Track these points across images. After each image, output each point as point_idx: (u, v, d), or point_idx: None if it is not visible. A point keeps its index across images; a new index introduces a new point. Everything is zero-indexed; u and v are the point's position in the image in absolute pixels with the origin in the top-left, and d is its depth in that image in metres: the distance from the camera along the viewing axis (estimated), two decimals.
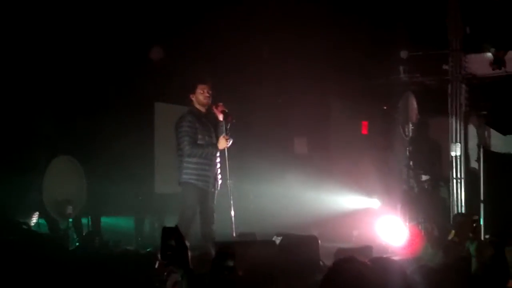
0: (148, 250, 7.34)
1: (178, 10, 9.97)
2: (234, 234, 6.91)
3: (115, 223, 9.63)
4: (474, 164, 10.06)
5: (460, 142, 9.93)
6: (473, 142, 10.31)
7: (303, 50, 10.79)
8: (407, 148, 10.08)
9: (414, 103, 10.10)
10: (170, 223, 6.25)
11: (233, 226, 6.91)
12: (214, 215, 7.13)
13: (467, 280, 4.83)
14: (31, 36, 8.48)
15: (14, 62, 8.32)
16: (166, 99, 10.24)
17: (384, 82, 10.79)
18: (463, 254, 5.76)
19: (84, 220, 9.00)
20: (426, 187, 10.22)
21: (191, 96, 7.19)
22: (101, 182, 8.81)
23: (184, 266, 3.75)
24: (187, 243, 3.80)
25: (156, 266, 5.18)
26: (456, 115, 9.96)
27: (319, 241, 6.42)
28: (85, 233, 8.66)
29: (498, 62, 9.61)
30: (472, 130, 10.37)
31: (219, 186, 7.20)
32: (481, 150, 9.81)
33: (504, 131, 10.43)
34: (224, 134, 7.09)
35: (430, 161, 10.61)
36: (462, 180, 9.87)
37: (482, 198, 9.48)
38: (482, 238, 8.31)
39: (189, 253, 3.81)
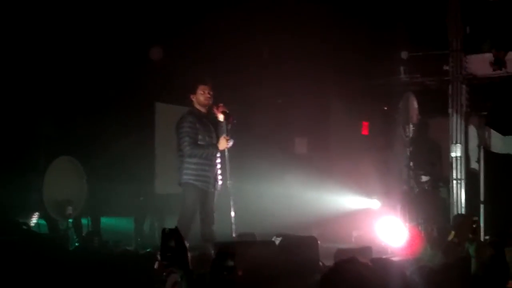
0: (148, 250, 7.35)
1: (179, 11, 9.97)
2: (234, 235, 6.91)
3: (115, 223, 9.64)
4: (474, 165, 10.05)
5: (460, 143, 9.91)
6: (473, 142, 10.29)
7: (303, 51, 10.79)
8: (407, 149, 10.07)
9: (414, 104, 10.09)
10: (170, 223, 6.26)
11: (233, 227, 6.91)
12: (214, 216, 7.14)
13: (467, 280, 4.84)
14: (32, 36, 8.49)
15: (15, 62, 8.33)
16: (167, 100, 10.25)
17: (385, 82, 10.78)
18: (463, 255, 5.75)
19: (84, 220, 9.01)
20: (426, 187, 10.21)
21: (191, 96, 7.20)
22: (101, 182, 8.82)
23: (184, 267, 3.76)
24: (187, 244, 3.81)
25: (156, 266, 5.19)
26: (456, 116, 9.95)
27: (319, 242, 6.41)
28: (85, 233, 8.67)
29: (498, 62, 9.60)
30: (472, 130, 10.35)
31: (219, 186, 7.20)
32: (482, 151, 9.81)
33: (504, 132, 10.43)
34: (224, 135, 7.10)
35: (430, 162, 10.60)
36: (462, 181, 9.86)
37: (482, 199, 9.47)
38: (482, 238, 8.32)
39: (189, 254, 3.82)
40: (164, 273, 4.45)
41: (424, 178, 10.26)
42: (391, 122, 10.87)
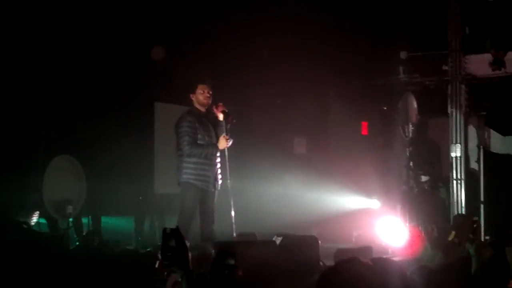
0: (148, 250, 7.34)
1: (179, 11, 9.98)
2: (234, 234, 6.91)
3: (115, 223, 9.64)
4: (474, 165, 10.06)
5: (460, 143, 9.92)
6: (473, 143, 10.30)
7: (303, 51, 10.79)
8: (407, 149, 10.07)
9: (414, 104, 10.09)
10: (170, 223, 6.26)
11: (233, 226, 6.92)
12: (214, 215, 7.14)
13: (467, 280, 4.84)
14: (32, 36, 8.49)
15: (15, 63, 8.33)
16: (167, 100, 10.25)
17: (384, 82, 10.79)
18: (463, 255, 5.75)
19: (84, 220, 9.02)
20: (426, 187, 10.21)
21: (191, 96, 7.20)
22: (101, 182, 8.82)
23: (184, 267, 3.76)
24: (187, 244, 3.81)
25: (156, 266, 5.19)
26: (456, 116, 9.96)
27: (319, 242, 6.41)
28: (85, 233, 8.67)
29: (497, 62, 9.61)
30: (472, 131, 10.36)
31: (219, 186, 7.20)
32: (481, 151, 9.81)
33: (504, 132, 10.43)
34: (224, 134, 7.10)
35: (430, 162, 10.60)
36: (462, 181, 9.87)
37: (482, 199, 9.48)
38: (482, 239, 8.31)
39: (189, 254, 3.82)
40: (165, 273, 4.46)
41: (424, 178, 10.25)
42: (391, 122, 10.87)
